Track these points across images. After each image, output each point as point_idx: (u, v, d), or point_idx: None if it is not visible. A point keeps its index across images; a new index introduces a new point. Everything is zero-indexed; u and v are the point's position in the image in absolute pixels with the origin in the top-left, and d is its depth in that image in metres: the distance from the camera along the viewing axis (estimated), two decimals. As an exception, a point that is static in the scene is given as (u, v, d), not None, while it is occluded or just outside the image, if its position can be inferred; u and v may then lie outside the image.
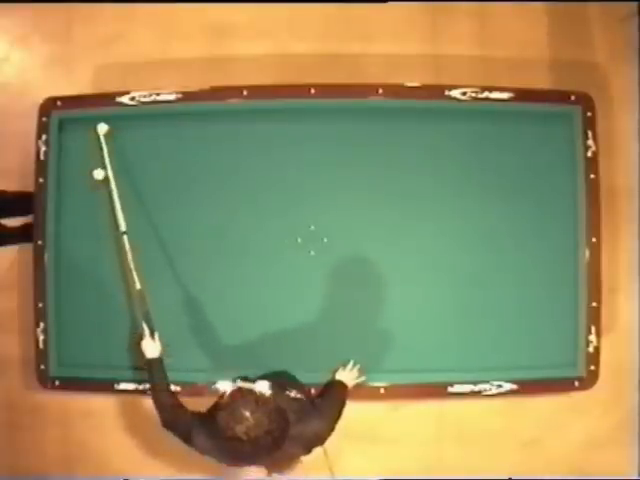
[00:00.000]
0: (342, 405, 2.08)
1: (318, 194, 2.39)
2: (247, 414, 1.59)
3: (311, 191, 2.40)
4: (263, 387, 1.73)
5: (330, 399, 2.10)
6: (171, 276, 2.39)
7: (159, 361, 2.10)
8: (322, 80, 2.49)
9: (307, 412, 1.87)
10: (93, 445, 2.95)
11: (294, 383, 2.14)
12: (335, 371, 2.29)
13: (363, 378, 2.30)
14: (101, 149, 2.37)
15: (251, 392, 1.64)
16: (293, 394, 1.94)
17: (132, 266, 2.26)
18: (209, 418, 1.71)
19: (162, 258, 2.39)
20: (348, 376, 2.27)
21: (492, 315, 2.37)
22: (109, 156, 2.35)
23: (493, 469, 2.84)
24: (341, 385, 2.22)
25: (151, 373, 2.08)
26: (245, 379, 1.76)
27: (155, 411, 1.98)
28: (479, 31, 2.96)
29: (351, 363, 2.30)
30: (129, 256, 2.27)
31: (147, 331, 2.16)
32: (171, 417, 1.93)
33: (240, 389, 1.65)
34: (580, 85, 2.66)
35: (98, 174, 2.38)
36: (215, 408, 1.68)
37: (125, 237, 2.28)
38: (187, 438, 1.82)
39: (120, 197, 2.33)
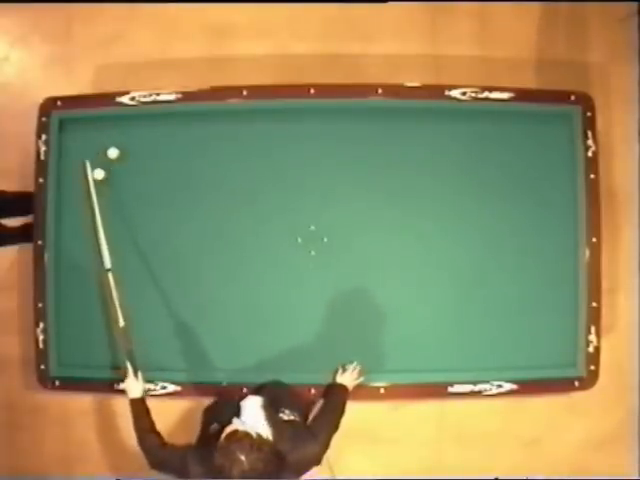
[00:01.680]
0: (341, 415, 2.07)
1: (318, 194, 2.40)
2: (242, 458, 1.61)
3: (311, 191, 2.40)
4: (255, 406, 1.79)
5: (328, 413, 2.07)
6: (172, 275, 2.38)
7: (142, 401, 2.08)
8: (322, 80, 2.49)
9: (301, 437, 1.86)
10: (93, 445, 2.94)
11: (288, 400, 2.13)
12: (336, 372, 2.29)
13: (362, 379, 2.30)
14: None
15: (247, 435, 1.66)
16: (287, 415, 1.94)
17: (117, 303, 2.24)
18: (205, 453, 1.74)
19: (162, 256, 2.39)
20: (349, 378, 2.26)
21: (492, 315, 2.37)
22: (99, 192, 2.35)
23: (493, 469, 2.84)
24: (342, 390, 2.22)
25: (135, 414, 2.06)
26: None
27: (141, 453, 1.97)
28: (479, 31, 2.96)
29: (352, 364, 2.30)
30: (114, 293, 2.25)
31: (131, 370, 2.15)
32: (158, 459, 1.91)
33: (236, 431, 1.67)
34: (580, 85, 2.67)
35: (98, 174, 2.38)
36: (209, 443, 1.72)
37: (110, 274, 2.26)
38: (182, 473, 1.81)
39: (109, 228, 2.32)
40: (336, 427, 2.01)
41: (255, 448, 1.63)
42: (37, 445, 2.97)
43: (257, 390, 2.10)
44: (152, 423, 2.03)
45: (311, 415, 2.15)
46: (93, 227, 2.33)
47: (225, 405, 2.07)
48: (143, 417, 2.04)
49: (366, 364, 2.32)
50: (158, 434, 1.99)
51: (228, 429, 1.69)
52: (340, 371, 2.29)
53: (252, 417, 1.79)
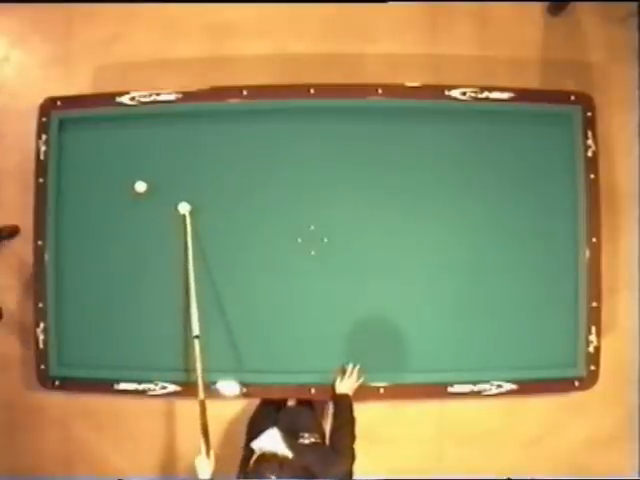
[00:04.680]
0: (353, 424, 2.10)
1: (318, 194, 2.39)
2: (273, 477, 1.66)
3: (311, 191, 2.39)
4: (274, 439, 1.82)
5: (341, 427, 2.08)
6: (171, 274, 2.39)
7: None
8: (322, 80, 2.49)
9: (329, 456, 1.91)
10: (93, 445, 2.95)
11: (304, 422, 2.17)
12: (335, 379, 2.27)
13: (362, 379, 2.30)
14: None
15: (275, 456, 1.72)
16: (307, 439, 1.98)
17: (199, 371, 2.15)
18: None
19: (162, 258, 2.39)
20: (348, 384, 2.25)
21: (492, 315, 2.37)
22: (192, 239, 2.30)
23: (493, 469, 2.84)
24: (345, 399, 2.20)
25: None
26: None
27: None
28: (479, 31, 2.97)
29: (349, 368, 2.29)
30: (198, 361, 2.17)
31: (204, 449, 2.05)
32: None
33: (264, 455, 1.73)
34: (580, 85, 2.67)
35: (140, 186, 2.35)
36: (243, 476, 1.76)
37: (197, 341, 2.18)
38: None
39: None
40: (353, 437, 2.05)
41: (285, 466, 1.69)
42: (37, 445, 2.97)
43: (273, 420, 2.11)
44: None
45: (327, 431, 2.18)
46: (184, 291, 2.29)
47: (266, 416, 2.14)
48: None
49: (366, 364, 2.32)
50: None
51: (255, 456, 1.73)
52: (339, 379, 2.27)
53: (273, 450, 1.82)
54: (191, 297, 2.23)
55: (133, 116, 2.43)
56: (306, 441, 1.97)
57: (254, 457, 1.74)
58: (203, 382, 2.15)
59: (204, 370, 2.17)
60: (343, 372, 2.29)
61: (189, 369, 2.36)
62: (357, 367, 2.30)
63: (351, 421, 2.11)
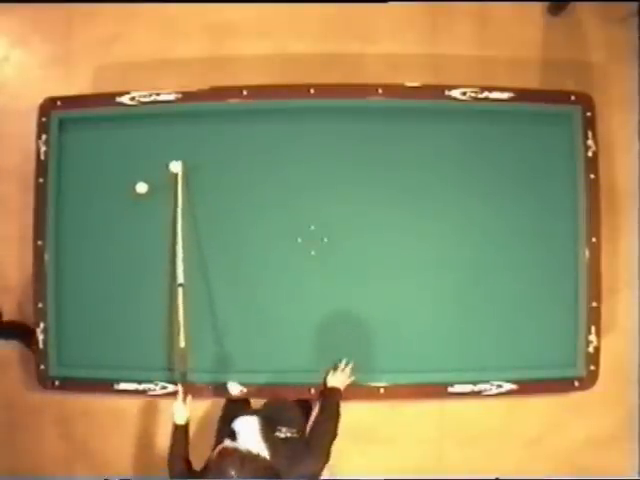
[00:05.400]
0: (336, 421, 2.03)
1: (318, 194, 2.39)
2: (233, 473, 1.61)
3: (311, 191, 2.39)
4: (251, 427, 1.79)
5: (323, 422, 2.03)
6: (165, 276, 2.38)
7: (184, 428, 2.05)
8: (322, 80, 2.49)
9: (299, 454, 1.85)
10: (93, 445, 2.95)
11: (286, 416, 2.12)
12: (327, 372, 2.26)
13: (354, 377, 2.26)
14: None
15: (236, 450, 1.67)
16: (283, 434, 1.93)
17: (182, 322, 2.20)
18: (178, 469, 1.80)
19: (160, 257, 2.39)
20: (340, 378, 2.23)
21: (492, 315, 2.37)
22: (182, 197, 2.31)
23: (493, 469, 2.84)
24: (334, 393, 2.17)
25: (174, 439, 2.04)
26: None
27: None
28: (479, 31, 2.97)
29: (342, 363, 2.28)
30: (181, 311, 2.21)
31: (181, 394, 2.09)
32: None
33: (226, 448, 1.68)
34: (580, 85, 2.67)
35: (141, 187, 2.34)
36: (205, 467, 1.73)
37: (180, 289, 2.22)
38: None
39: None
40: (334, 435, 1.98)
41: (246, 463, 1.64)
42: (37, 445, 2.98)
43: (255, 412, 2.09)
44: (187, 452, 2.01)
45: (308, 425, 2.15)
46: (172, 237, 2.30)
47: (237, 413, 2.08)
48: (181, 444, 2.02)
49: (366, 364, 2.32)
50: (189, 462, 1.98)
51: (218, 448, 1.70)
52: (331, 372, 2.26)
53: (247, 438, 1.80)
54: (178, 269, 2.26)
55: (133, 116, 2.42)
56: (282, 435, 1.93)
57: (217, 449, 1.69)
58: (185, 332, 2.18)
59: (187, 320, 2.19)
60: (335, 368, 2.27)
61: (189, 369, 2.36)
62: (350, 364, 2.28)
63: (335, 417, 2.05)
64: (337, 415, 2.07)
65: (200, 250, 2.39)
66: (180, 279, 2.24)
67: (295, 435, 1.98)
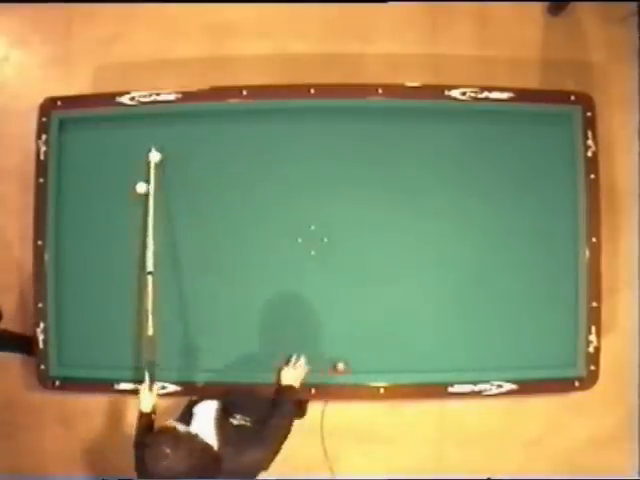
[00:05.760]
0: (290, 419, 1.99)
1: (318, 194, 2.39)
2: (167, 451, 1.62)
3: (311, 191, 2.39)
4: (208, 411, 1.85)
5: (276, 418, 1.97)
6: (168, 274, 2.38)
7: (149, 416, 2.10)
8: (322, 80, 2.49)
9: (248, 442, 1.84)
10: (93, 445, 2.95)
11: (246, 404, 2.08)
12: (279, 369, 2.20)
13: (307, 370, 2.21)
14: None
15: (172, 429, 1.69)
16: (237, 421, 1.92)
17: (150, 310, 2.21)
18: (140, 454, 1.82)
19: (159, 255, 2.38)
20: (293, 375, 2.16)
21: (492, 315, 2.37)
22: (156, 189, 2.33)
23: (493, 469, 2.84)
24: (288, 391, 2.12)
25: (139, 425, 2.08)
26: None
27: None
28: (479, 31, 2.96)
29: (294, 358, 2.23)
30: (150, 298, 2.23)
31: (147, 382, 2.14)
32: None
33: (167, 426, 1.70)
34: (580, 85, 2.67)
35: (141, 187, 2.35)
36: (144, 442, 1.76)
37: (150, 277, 2.24)
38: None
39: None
40: (286, 432, 1.95)
41: (182, 443, 1.65)
42: (37, 444, 2.97)
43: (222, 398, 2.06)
44: None
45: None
46: (143, 226, 2.32)
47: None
48: (145, 430, 2.05)
49: (366, 364, 2.32)
50: None
51: (158, 426, 1.72)
52: (284, 369, 2.18)
53: (201, 421, 1.83)
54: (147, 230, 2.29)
55: (133, 116, 2.43)
56: (235, 422, 1.91)
57: (156, 429, 1.72)
58: (153, 319, 2.21)
59: (155, 308, 2.22)
60: (287, 363, 2.22)
61: (188, 369, 2.36)
62: (302, 358, 2.23)
63: (289, 415, 2.00)
64: (291, 412, 2.02)
65: (200, 250, 2.40)
66: (150, 268, 2.25)
67: (248, 424, 1.94)
